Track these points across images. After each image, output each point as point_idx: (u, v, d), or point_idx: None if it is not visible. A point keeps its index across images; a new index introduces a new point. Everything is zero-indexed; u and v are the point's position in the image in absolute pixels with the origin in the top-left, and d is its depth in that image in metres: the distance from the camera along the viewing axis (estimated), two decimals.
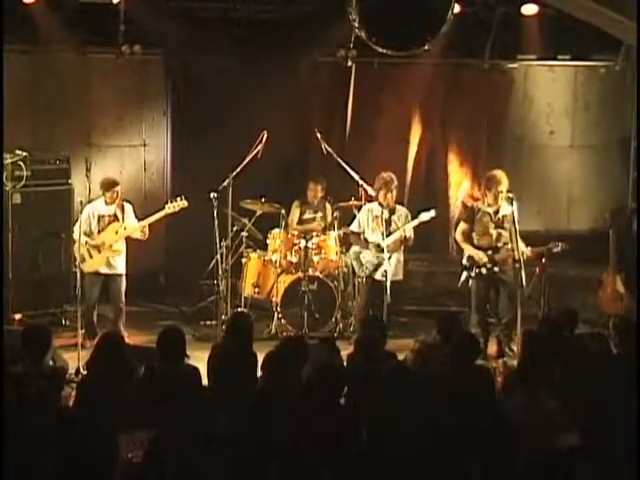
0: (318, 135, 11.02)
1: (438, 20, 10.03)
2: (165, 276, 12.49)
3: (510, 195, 9.68)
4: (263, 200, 11.09)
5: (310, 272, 10.77)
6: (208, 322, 10.84)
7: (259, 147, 10.59)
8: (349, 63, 12.16)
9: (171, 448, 5.59)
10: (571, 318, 7.93)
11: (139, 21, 11.28)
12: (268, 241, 11.12)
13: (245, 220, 11.11)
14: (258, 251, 11.24)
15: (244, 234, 11.16)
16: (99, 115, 12.20)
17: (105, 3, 11.15)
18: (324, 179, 11.32)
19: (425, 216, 10.28)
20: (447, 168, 12.87)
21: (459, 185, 12.84)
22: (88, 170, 9.96)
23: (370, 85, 12.46)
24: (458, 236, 10.12)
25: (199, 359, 7.47)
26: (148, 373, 6.89)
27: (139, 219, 10.28)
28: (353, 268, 10.69)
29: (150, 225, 10.22)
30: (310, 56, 12.05)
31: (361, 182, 10.81)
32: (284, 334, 10.36)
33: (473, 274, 9.86)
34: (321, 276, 10.81)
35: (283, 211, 11.06)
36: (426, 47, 10.26)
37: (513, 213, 9.51)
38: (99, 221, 10.17)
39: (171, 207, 10.27)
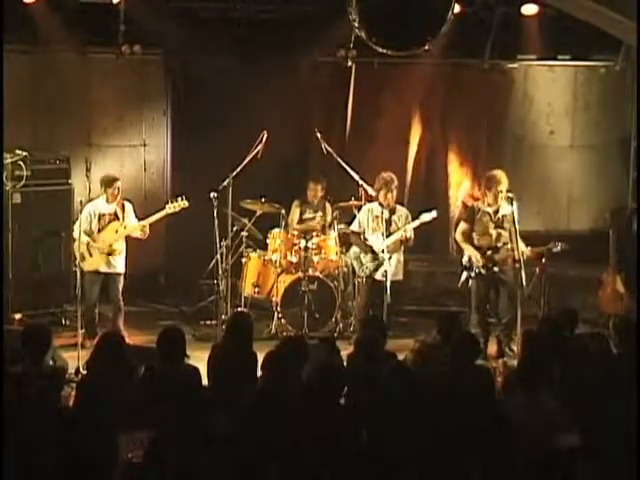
0: (318, 135, 11.02)
1: (438, 20, 10.04)
2: (165, 276, 12.49)
3: (510, 195, 9.68)
4: (263, 200, 11.09)
5: (310, 272, 10.77)
6: (208, 322, 10.84)
7: (259, 147, 10.58)
8: (349, 63, 12.17)
9: (171, 448, 5.59)
10: (571, 318, 7.93)
11: (139, 21, 11.28)
12: (268, 241, 11.12)
13: (245, 220, 11.12)
14: (258, 251, 11.24)
15: (244, 234, 11.16)
16: (99, 115, 12.21)
17: (105, 3, 11.15)
18: (324, 179, 11.32)
19: (426, 217, 10.28)
20: (447, 168, 12.87)
21: (459, 185, 12.85)
22: (88, 170, 9.95)
23: (370, 85, 12.46)
24: (458, 236, 10.12)
25: (199, 359, 7.47)
26: (148, 373, 6.89)
27: (139, 219, 10.28)
28: (353, 268, 10.69)
29: (150, 225, 10.22)
30: (310, 56, 12.05)
31: (361, 182, 10.81)
32: (284, 334, 10.36)
33: (473, 274, 9.86)
34: (321, 276, 10.81)
35: (283, 211, 11.06)
36: (426, 47, 10.26)
37: (513, 213, 9.51)
38: (99, 220, 10.17)
39: (172, 207, 10.27)
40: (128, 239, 10.28)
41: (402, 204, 10.66)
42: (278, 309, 10.77)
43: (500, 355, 9.81)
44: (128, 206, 10.33)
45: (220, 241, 10.63)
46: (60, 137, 11.80)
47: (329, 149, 11.03)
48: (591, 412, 6.39)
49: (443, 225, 12.19)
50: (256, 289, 11.08)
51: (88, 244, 10.07)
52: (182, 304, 11.66)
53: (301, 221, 11.35)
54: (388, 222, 10.25)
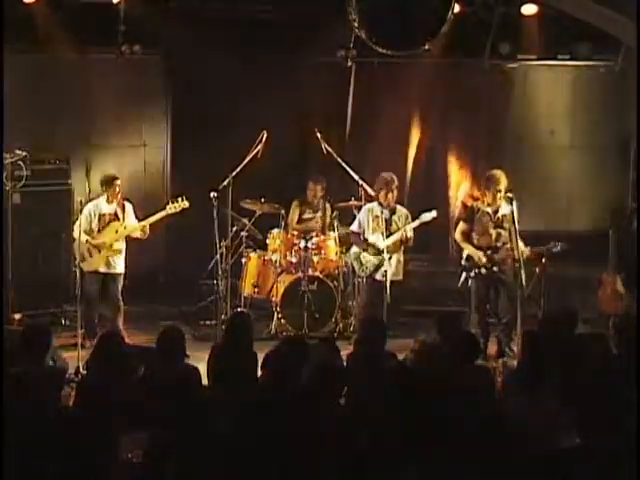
0: (318, 135, 11.01)
1: (438, 20, 10.04)
2: (165, 276, 12.49)
3: (509, 195, 9.68)
4: (263, 200, 11.10)
5: (310, 272, 10.77)
6: (208, 322, 10.84)
7: (259, 147, 10.59)
8: (349, 63, 12.17)
9: (171, 448, 5.58)
10: (571, 318, 7.92)
11: (139, 21, 11.28)
12: (268, 241, 11.12)
13: (245, 220, 11.12)
14: (258, 251, 11.24)
15: (244, 234, 11.16)
16: (99, 115, 12.19)
17: (105, 3, 11.15)
18: (324, 179, 11.31)
19: (426, 217, 10.27)
20: (447, 168, 12.88)
21: (459, 185, 12.85)
22: (88, 170, 9.96)
23: (370, 85, 12.46)
24: (458, 236, 10.12)
25: (199, 359, 7.47)
26: (148, 373, 6.89)
27: (139, 219, 10.28)
28: (353, 268, 10.69)
29: (150, 225, 10.23)
30: (310, 56, 12.04)
31: (361, 182, 10.81)
32: (284, 334, 10.37)
33: (473, 274, 9.86)
34: (321, 276, 10.81)
35: (283, 211, 11.07)
36: (426, 47, 10.26)
37: (513, 213, 9.51)
38: (100, 220, 10.18)
39: (172, 207, 10.27)
40: (128, 239, 10.29)
41: (402, 204, 10.66)
42: (278, 309, 10.77)
43: (500, 355, 9.81)
44: (128, 206, 10.33)
45: (220, 241, 10.63)
46: (60, 137, 11.80)
47: (329, 149, 11.03)
48: (591, 412, 6.39)
49: (443, 225, 12.17)
50: (256, 289, 11.08)
51: (88, 244, 10.07)
52: (182, 304, 11.65)
53: (301, 221, 11.35)
54: (388, 222, 10.24)
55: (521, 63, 12.78)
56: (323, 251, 10.91)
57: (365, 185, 10.75)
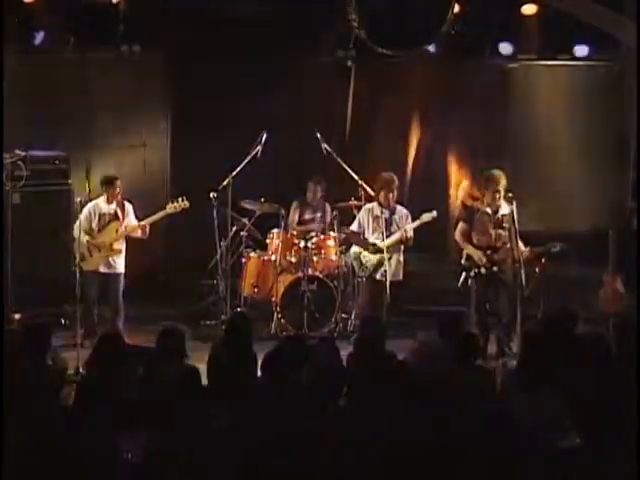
0: (318, 135, 11.01)
1: (438, 20, 10.04)
2: (165, 276, 12.48)
3: (509, 195, 9.69)
4: (263, 200, 11.10)
5: (310, 272, 10.77)
6: (208, 322, 10.85)
7: (259, 147, 10.59)
8: (349, 63, 12.16)
9: (171, 448, 5.58)
10: (571, 318, 7.91)
11: (138, 21, 11.28)
12: (268, 241, 11.13)
13: (245, 220, 11.12)
14: (258, 251, 11.24)
15: (244, 234, 11.16)
16: (99, 115, 12.18)
17: (104, 3, 11.14)
18: (324, 179, 11.31)
19: (426, 217, 10.27)
20: (447, 168, 12.87)
21: (459, 185, 12.84)
22: (88, 170, 9.96)
23: (370, 85, 12.46)
24: (457, 236, 10.12)
25: (199, 359, 7.47)
26: (148, 373, 6.89)
27: (139, 219, 10.28)
28: (353, 268, 10.68)
29: (150, 225, 10.23)
30: (310, 56, 12.04)
31: (361, 182, 10.81)
32: (284, 334, 10.36)
33: (472, 274, 9.85)
34: (321, 276, 10.80)
35: (283, 211, 11.06)
36: (426, 47, 10.26)
37: (512, 213, 9.51)
38: (100, 220, 10.18)
39: (172, 207, 10.27)
40: (128, 239, 10.29)
41: (402, 204, 10.65)
42: (278, 309, 10.76)
43: (500, 355, 9.80)
44: (128, 206, 10.33)
45: (220, 241, 10.63)
46: (60, 137, 11.78)
47: (329, 149, 11.03)
48: (591, 412, 6.39)
49: (443, 225, 12.16)
50: (256, 289, 11.07)
51: (88, 244, 10.07)
52: (182, 304, 11.64)
53: (301, 221, 11.35)
54: (388, 222, 10.24)
55: (521, 63, 12.76)
56: (323, 251, 10.91)
57: (365, 185, 10.75)
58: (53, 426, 5.83)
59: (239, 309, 10.75)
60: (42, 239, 10.83)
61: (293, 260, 10.91)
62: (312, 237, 10.89)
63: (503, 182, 9.83)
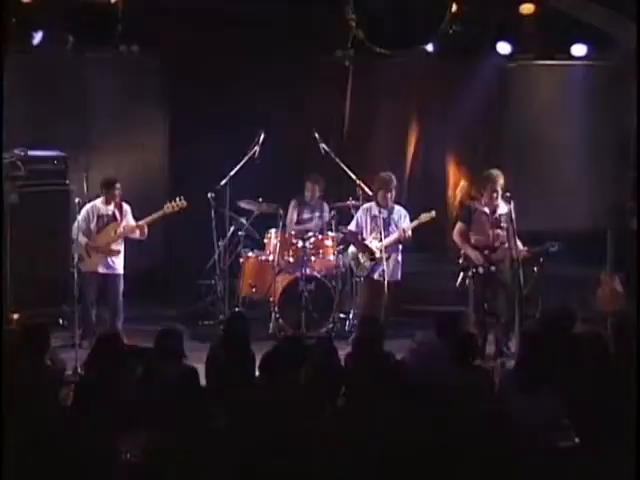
0: (316, 135, 11.01)
1: (437, 20, 10.04)
2: (163, 276, 12.47)
3: (507, 194, 9.69)
4: (260, 200, 11.09)
5: (308, 272, 10.76)
6: (206, 322, 10.84)
7: (256, 147, 10.59)
8: (347, 63, 12.15)
9: (169, 448, 5.58)
10: (570, 318, 7.91)
11: (137, 21, 11.26)
12: (265, 241, 11.12)
13: (243, 220, 11.11)
14: (256, 251, 11.24)
15: (242, 234, 11.16)
16: (97, 115, 12.18)
17: (103, 3, 11.13)
18: (322, 179, 11.30)
19: (425, 217, 10.27)
20: (446, 168, 12.87)
21: (457, 185, 12.84)
22: (86, 170, 9.95)
23: (368, 85, 12.45)
24: (455, 236, 10.11)
25: (197, 359, 7.46)
26: (146, 373, 6.89)
27: (137, 219, 10.27)
28: (351, 268, 10.68)
29: (148, 225, 10.22)
30: (310, 56, 12.03)
31: (359, 182, 10.81)
32: (282, 334, 10.34)
33: (470, 274, 9.85)
34: (319, 276, 10.80)
35: (281, 211, 11.05)
36: (425, 47, 10.26)
37: (510, 212, 9.51)
38: (98, 221, 10.18)
39: (170, 207, 10.26)
40: (126, 240, 10.28)
41: (400, 204, 10.65)
42: (276, 309, 10.75)
43: (498, 355, 9.80)
44: (126, 207, 10.33)
45: (218, 241, 10.63)
46: (58, 137, 11.77)
47: (327, 149, 11.03)
48: (591, 412, 6.38)
49: (442, 225, 12.16)
50: (254, 289, 11.07)
51: (86, 245, 10.07)
52: (180, 304, 11.64)
53: (299, 221, 11.34)
54: (386, 222, 10.24)
55: (519, 62, 12.76)
56: (321, 251, 10.90)
57: (363, 185, 10.75)
58: (51, 426, 5.84)
59: (237, 309, 10.75)
60: (40, 239, 10.82)
61: (291, 260, 10.91)
62: (310, 237, 10.89)
63: (501, 182, 9.83)
